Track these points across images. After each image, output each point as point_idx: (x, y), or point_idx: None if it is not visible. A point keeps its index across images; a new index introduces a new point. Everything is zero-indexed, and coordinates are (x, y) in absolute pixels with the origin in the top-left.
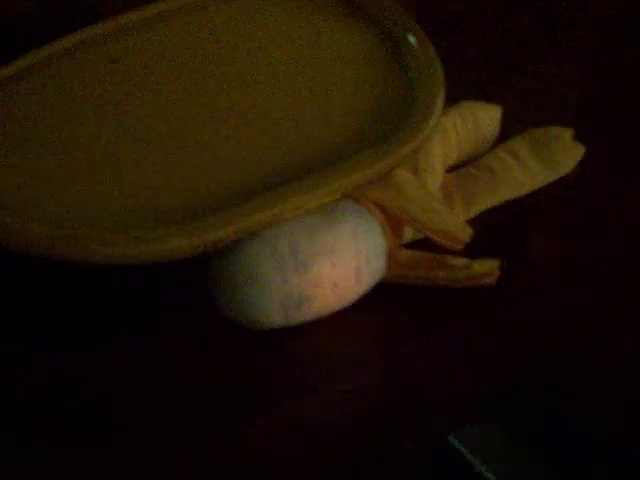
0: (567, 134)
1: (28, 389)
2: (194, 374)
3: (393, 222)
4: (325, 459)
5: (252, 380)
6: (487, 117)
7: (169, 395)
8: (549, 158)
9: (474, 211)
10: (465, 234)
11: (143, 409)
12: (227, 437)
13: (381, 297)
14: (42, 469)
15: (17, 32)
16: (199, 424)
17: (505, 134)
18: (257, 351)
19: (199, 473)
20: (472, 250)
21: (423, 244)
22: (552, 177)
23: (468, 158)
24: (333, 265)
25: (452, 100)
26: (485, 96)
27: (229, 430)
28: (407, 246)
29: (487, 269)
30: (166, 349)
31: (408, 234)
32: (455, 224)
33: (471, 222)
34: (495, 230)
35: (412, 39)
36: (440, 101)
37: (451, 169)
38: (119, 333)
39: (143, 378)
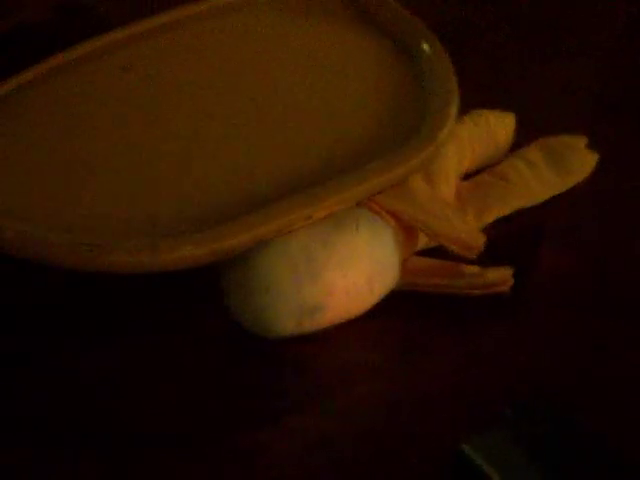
0: (581, 142)
1: (29, 388)
2: (198, 381)
3: (407, 230)
4: (330, 470)
5: (257, 389)
6: (501, 125)
7: (171, 402)
8: (563, 166)
9: (488, 219)
10: (478, 242)
11: (144, 416)
12: (228, 447)
13: (394, 305)
14: (41, 468)
15: (31, 40)
16: (200, 433)
17: (518, 141)
18: (265, 359)
19: None
20: (485, 258)
21: (436, 252)
22: (566, 185)
23: (482, 166)
24: (346, 273)
25: (465, 108)
26: (498, 103)
27: (230, 440)
28: (420, 254)
29: (501, 277)
30: (170, 355)
31: (421, 242)
32: (468, 232)
33: (484, 230)
34: (509, 238)
35: (426, 48)
36: (454, 109)
37: (465, 177)
38: (119, 336)
39: (145, 384)
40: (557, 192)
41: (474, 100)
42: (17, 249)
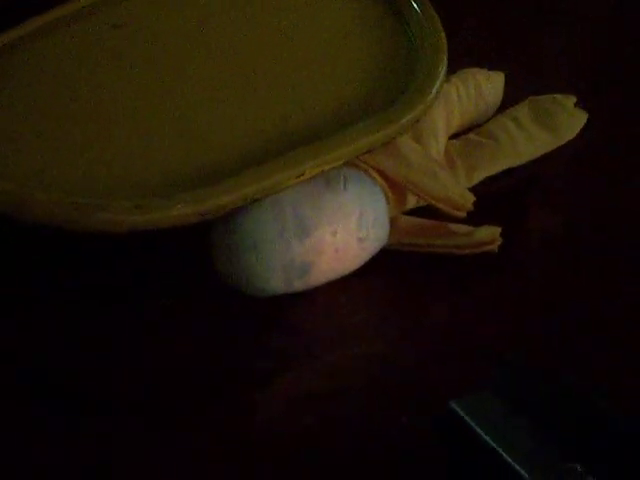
0: (570, 101)
1: (32, 363)
2: (188, 343)
3: (396, 189)
4: (320, 430)
5: (247, 349)
6: (490, 84)
7: (161, 365)
8: (552, 125)
9: (477, 178)
10: (467, 201)
11: (133, 379)
12: (218, 409)
13: (383, 264)
14: (42, 452)
15: None
16: (191, 395)
17: (508, 102)
18: (254, 319)
19: (199, 445)
20: (474, 217)
21: (426, 211)
22: (555, 144)
23: (471, 125)
24: (335, 232)
25: (454, 68)
26: (487, 64)
27: (220, 401)
28: (410, 213)
29: (489, 236)
30: (158, 318)
31: (411, 201)
32: (457, 191)
33: (473, 189)
34: (497, 197)
35: (416, 7)
36: (443, 69)
37: (454, 136)
38: (109, 301)
39: (134, 349)
40: (546, 151)
41: (465, 60)
42: (3, 207)
